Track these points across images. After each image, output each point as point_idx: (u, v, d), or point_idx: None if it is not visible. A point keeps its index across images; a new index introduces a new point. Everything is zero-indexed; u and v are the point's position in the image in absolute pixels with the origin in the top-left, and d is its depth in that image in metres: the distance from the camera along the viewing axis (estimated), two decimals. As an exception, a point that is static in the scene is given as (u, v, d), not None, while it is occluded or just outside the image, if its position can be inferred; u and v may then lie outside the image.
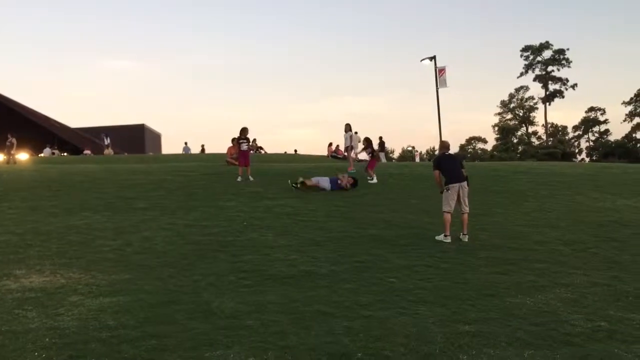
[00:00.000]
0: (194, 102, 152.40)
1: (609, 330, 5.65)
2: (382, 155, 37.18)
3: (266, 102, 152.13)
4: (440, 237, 10.34)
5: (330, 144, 36.42)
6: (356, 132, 31.63)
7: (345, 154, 19.56)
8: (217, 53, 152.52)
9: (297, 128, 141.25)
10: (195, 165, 20.07)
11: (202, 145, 41.22)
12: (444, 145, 11.55)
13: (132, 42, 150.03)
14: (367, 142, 18.26)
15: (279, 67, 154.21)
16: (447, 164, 10.81)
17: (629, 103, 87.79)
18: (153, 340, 5.20)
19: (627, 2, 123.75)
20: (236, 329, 5.56)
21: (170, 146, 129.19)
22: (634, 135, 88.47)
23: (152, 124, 71.91)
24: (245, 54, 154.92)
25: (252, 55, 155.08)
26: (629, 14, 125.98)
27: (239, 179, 16.48)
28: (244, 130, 16.93)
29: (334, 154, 35.15)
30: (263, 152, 37.15)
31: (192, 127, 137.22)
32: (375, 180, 17.48)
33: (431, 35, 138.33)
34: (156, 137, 64.96)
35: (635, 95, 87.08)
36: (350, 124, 19.78)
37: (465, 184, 10.59)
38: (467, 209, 10.51)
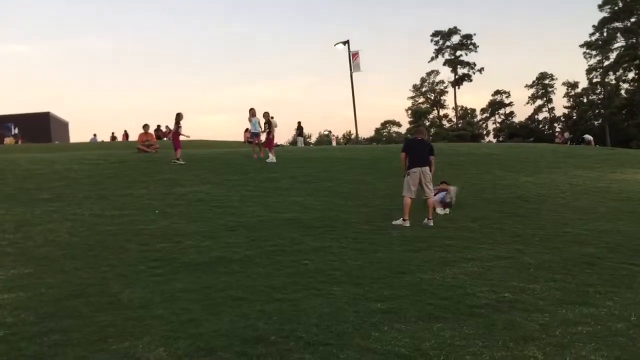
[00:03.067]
0: (105, 89, 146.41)
1: (512, 301, 5.92)
2: (300, 140, 37.27)
3: (182, 88, 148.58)
4: (399, 222, 10.22)
5: (247, 130, 36.01)
6: (272, 117, 31.56)
7: (259, 139, 19.33)
8: (127, 37, 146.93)
9: (214, 114, 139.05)
10: (105, 154, 19.22)
11: (113, 133, 39.68)
12: (419, 131, 11.47)
13: (30, 25, 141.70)
14: (266, 118, 18.40)
15: (195, 52, 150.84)
16: (414, 148, 10.61)
17: (531, 86, 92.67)
18: (56, 336, 4.93)
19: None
20: (146, 319, 5.37)
21: (79, 135, 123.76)
22: (535, 116, 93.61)
23: (60, 112, 68.33)
24: (158, 39, 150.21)
25: (166, 40, 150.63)
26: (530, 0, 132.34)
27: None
28: (178, 115, 17.99)
29: (250, 140, 34.80)
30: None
31: (102, 114, 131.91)
32: (274, 160, 17.62)
33: (345, 20, 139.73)
34: (63, 126, 61.75)
35: (537, 79, 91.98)
36: (255, 108, 19.43)
37: (427, 169, 10.47)
38: (431, 194, 10.52)
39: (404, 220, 10.15)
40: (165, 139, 35.51)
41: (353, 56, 35.45)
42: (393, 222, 10.20)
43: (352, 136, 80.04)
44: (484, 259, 7.80)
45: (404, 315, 5.45)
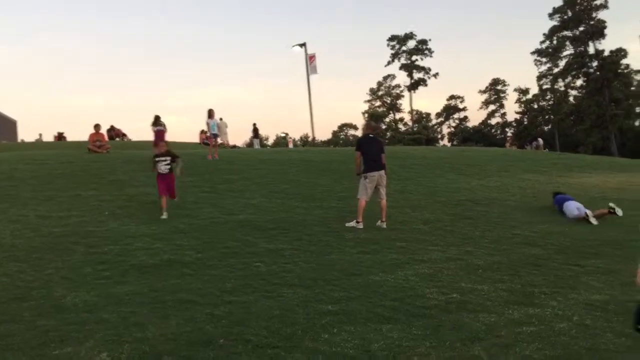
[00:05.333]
0: (55, 88, 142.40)
1: (460, 301, 6.01)
2: (256, 142, 37.07)
3: (138, 88, 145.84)
4: (352, 224, 10.17)
5: (203, 131, 35.64)
6: (221, 119, 31.30)
7: (216, 141, 19.16)
8: (82, 36, 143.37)
9: (170, 115, 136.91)
10: (53, 154, 18.68)
11: (60, 133, 38.52)
12: (369, 126, 11.30)
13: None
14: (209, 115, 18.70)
15: (151, 52, 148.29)
16: (369, 147, 10.44)
17: (484, 92, 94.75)
18: (-6, 341, 4.75)
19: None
20: (90, 323, 5.23)
21: (28, 134, 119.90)
22: (488, 121, 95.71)
23: (7, 110, 66.03)
24: (113, 38, 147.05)
25: (121, 39, 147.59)
26: (479, 7, 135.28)
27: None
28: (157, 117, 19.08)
29: (206, 141, 34.46)
30: (126, 139, 35.72)
31: (52, 113, 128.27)
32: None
33: (303, 22, 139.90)
34: (10, 124, 59.81)
35: (490, 85, 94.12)
36: (214, 109, 19.30)
37: (383, 172, 10.39)
38: (384, 197, 10.46)
39: (357, 222, 10.17)
40: (118, 139, 34.84)
41: (310, 58, 35.51)
42: (346, 224, 10.22)
43: (310, 139, 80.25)
44: (435, 261, 7.89)
45: (354, 317, 5.46)
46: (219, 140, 18.87)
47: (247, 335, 4.91)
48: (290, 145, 56.05)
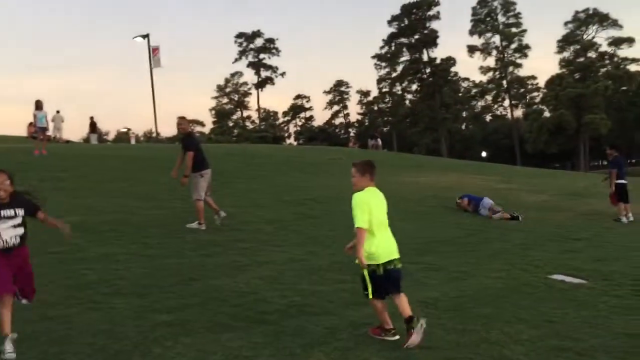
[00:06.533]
0: None
1: (301, 305, 5.93)
2: (93, 137, 34.69)
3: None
4: (194, 225, 9.64)
5: (31, 124, 32.61)
6: (58, 111, 28.95)
7: (44, 134, 17.57)
8: None
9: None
10: None
11: None
12: (188, 124, 10.74)
13: None
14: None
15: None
16: (199, 145, 10.09)
17: (329, 92, 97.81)
18: None
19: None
20: None
21: None
22: (333, 121, 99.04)
23: None
24: None
25: None
26: (325, 10, 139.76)
27: None
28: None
29: (34, 134, 31.59)
30: None
31: None
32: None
33: (146, 12, 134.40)
34: None
35: (334, 86, 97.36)
36: (42, 101, 17.69)
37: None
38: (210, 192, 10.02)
39: (199, 223, 9.76)
40: None
41: (153, 51, 34.02)
42: (187, 225, 9.77)
43: (154, 134, 77.19)
44: (278, 262, 7.78)
45: (191, 326, 5.13)
46: (51, 135, 17.26)
47: (65, 355, 4.39)
48: (132, 141, 53.38)
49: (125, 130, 79.80)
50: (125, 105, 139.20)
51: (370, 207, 5.15)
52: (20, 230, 4.72)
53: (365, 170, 5.35)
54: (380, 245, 5.07)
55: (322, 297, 6.23)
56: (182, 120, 10.13)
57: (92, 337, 4.80)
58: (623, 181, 13.08)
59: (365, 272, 4.97)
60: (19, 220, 4.70)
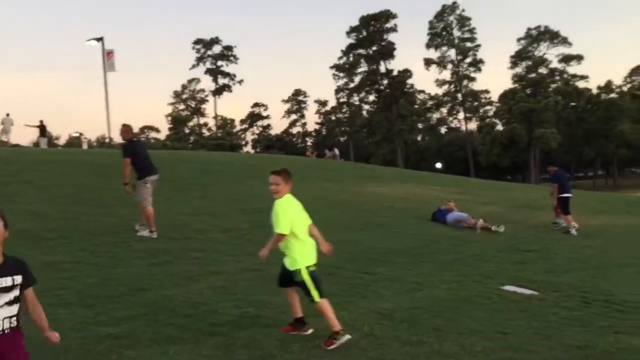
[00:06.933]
0: None
1: (254, 316, 5.79)
2: (43, 141, 33.59)
3: None
4: (145, 233, 9.38)
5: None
6: (8, 114, 27.99)
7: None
8: None
9: None
10: None
11: None
12: (130, 130, 10.39)
13: None
14: None
15: None
16: (140, 152, 9.81)
17: (287, 101, 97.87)
18: None
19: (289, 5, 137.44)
20: None
21: None
22: (290, 130, 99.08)
23: None
24: None
25: None
26: (285, 18, 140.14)
27: None
28: None
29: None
30: None
31: None
32: None
33: (100, 15, 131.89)
34: None
35: (292, 95, 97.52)
36: None
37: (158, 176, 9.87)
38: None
39: (151, 231, 9.48)
40: None
41: (107, 55, 33.23)
42: (138, 234, 9.49)
43: (107, 140, 75.56)
44: (231, 272, 7.61)
45: (138, 339, 4.93)
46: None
47: (2, 371, 4.13)
48: (84, 146, 52.07)
49: (77, 135, 77.88)
50: (79, 109, 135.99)
51: (294, 213, 5.40)
52: (15, 309, 3.21)
53: (289, 178, 5.53)
54: (311, 247, 5.40)
55: (275, 308, 6.09)
56: (123, 127, 10.07)
57: (31, 350, 4.54)
58: (568, 194, 13.52)
59: (306, 276, 5.12)
60: (16, 292, 3.20)
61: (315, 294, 5.10)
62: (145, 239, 9.27)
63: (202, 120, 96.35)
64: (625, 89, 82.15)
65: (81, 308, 5.74)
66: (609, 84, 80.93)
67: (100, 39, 33.31)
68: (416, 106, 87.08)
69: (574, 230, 13.02)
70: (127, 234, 9.51)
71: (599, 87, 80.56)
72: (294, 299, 5.37)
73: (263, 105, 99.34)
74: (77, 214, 10.82)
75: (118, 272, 7.26)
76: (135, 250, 8.48)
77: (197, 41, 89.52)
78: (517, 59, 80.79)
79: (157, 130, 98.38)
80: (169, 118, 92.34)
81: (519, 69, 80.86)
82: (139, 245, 8.85)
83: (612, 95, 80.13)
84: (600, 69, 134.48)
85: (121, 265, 7.62)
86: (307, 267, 5.16)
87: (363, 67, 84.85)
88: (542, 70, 79.87)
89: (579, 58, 79.16)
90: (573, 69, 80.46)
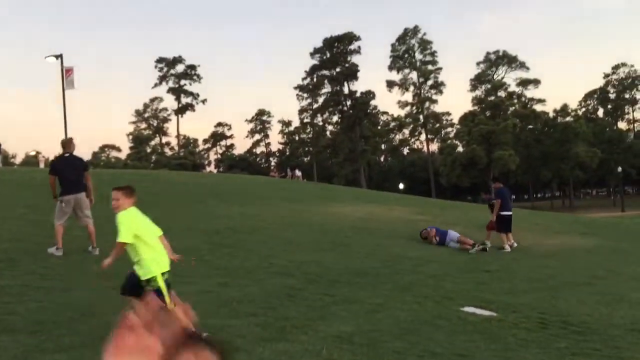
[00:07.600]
0: None
1: (209, 341, 5.59)
2: (-4, 159, 32.67)
3: None
4: (52, 250, 9.11)
5: None
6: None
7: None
8: None
9: None
10: None
11: None
12: (65, 144, 10.19)
13: None
14: None
15: None
16: (65, 168, 9.55)
17: (250, 121, 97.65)
18: None
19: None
20: None
21: None
22: (254, 150, 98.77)
23: None
24: None
25: None
26: (245, 38, 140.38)
27: None
28: None
29: None
30: None
31: None
32: None
33: (60, 31, 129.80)
34: None
35: (256, 115, 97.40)
36: None
37: (83, 195, 9.52)
38: (89, 220, 9.53)
39: (57, 248, 9.20)
40: None
41: (67, 72, 32.52)
42: (48, 250, 9.20)
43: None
44: (187, 294, 7.35)
45: (84, 367, 4.70)
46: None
47: None
48: (42, 165, 50.69)
49: (34, 153, 75.90)
50: (37, 127, 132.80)
51: (137, 223, 5.52)
52: None
53: (132, 194, 5.81)
54: (163, 253, 5.54)
55: (232, 332, 5.91)
56: (61, 143, 10.26)
57: (-32, 381, 4.29)
58: (509, 213, 13.75)
59: (161, 282, 5.26)
60: None
61: (168, 299, 5.26)
62: (98, 261, 8.95)
63: (164, 140, 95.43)
64: (580, 112, 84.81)
65: (26, 335, 5.44)
66: (565, 107, 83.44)
67: (59, 56, 32.61)
68: (379, 127, 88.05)
69: (508, 247, 13.36)
70: (80, 255, 9.21)
71: (555, 111, 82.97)
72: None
73: (227, 124, 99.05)
74: (28, 234, 10.46)
75: (69, 295, 6.98)
76: (87, 273, 8.17)
77: (160, 60, 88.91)
78: (476, 82, 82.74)
79: (118, 149, 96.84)
80: (130, 137, 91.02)
81: (478, 92, 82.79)
82: (94, 267, 8.53)
83: (568, 118, 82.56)
84: (556, 92, 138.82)
85: (72, 288, 7.33)
86: (162, 274, 5.30)
87: (327, 88, 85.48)
88: (501, 93, 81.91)
89: (536, 82, 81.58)
90: (531, 92, 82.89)
